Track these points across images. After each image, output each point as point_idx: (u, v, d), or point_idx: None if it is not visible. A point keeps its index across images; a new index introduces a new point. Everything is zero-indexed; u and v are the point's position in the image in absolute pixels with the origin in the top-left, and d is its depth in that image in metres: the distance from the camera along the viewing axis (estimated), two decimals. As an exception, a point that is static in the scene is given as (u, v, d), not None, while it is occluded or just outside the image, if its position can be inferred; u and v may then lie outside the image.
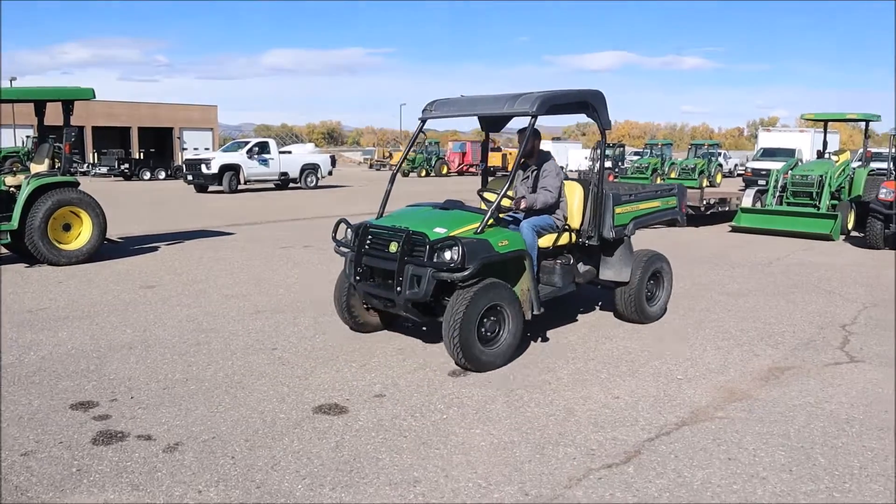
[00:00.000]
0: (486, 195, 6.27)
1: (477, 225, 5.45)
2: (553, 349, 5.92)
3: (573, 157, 42.52)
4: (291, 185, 27.33)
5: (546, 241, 6.09)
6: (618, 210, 6.50)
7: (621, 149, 36.62)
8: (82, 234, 9.98)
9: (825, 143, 17.10)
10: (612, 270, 6.64)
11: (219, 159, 24.66)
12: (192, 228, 14.04)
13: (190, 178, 24.98)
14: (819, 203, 14.07)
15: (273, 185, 27.30)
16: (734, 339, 6.33)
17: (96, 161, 38.42)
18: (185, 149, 38.44)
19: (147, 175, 36.13)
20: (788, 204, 14.51)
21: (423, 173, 41.81)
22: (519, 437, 4.15)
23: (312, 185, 27.36)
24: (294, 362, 5.50)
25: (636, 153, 38.80)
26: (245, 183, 25.30)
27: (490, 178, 7.60)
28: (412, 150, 47.60)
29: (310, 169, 27.34)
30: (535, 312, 5.70)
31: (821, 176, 14.19)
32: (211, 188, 25.11)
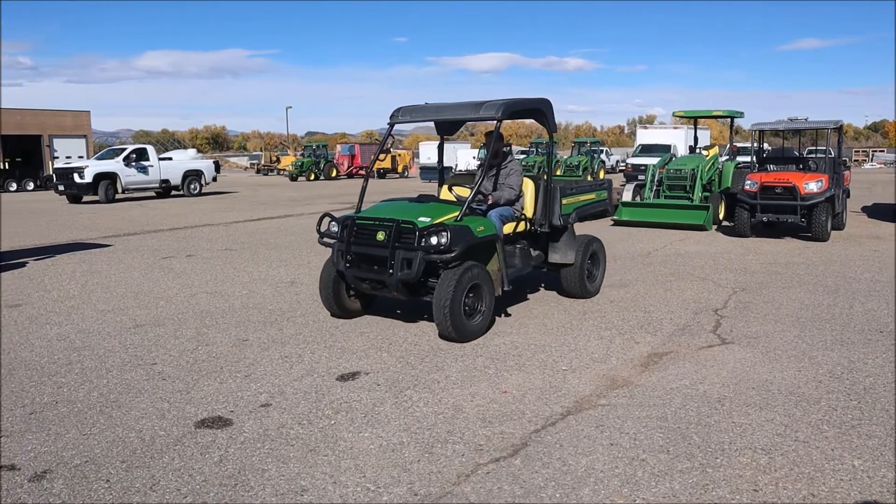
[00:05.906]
0: (457, 189, 7.10)
1: (455, 214, 6.17)
2: (441, 348, 5.94)
3: (461, 156, 42.94)
4: (174, 192, 26.38)
5: (507, 228, 6.82)
6: (564, 201, 7.40)
7: (508, 147, 37.36)
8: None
9: (696, 139, 18.01)
10: (559, 254, 7.56)
11: (93, 168, 23.43)
12: (65, 241, 13.25)
13: (61, 188, 23.62)
14: (692, 195, 14.81)
15: (154, 194, 26.29)
16: (616, 328, 6.57)
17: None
18: (57, 157, 36.15)
19: (13, 186, 33.95)
20: (665, 197, 15.18)
21: (312, 177, 40.45)
22: (408, 437, 4.14)
23: (196, 192, 26.45)
24: (175, 376, 5.28)
25: (523, 152, 39.63)
26: (123, 192, 24.20)
27: (452, 174, 8.52)
28: (300, 154, 46.96)
29: (193, 175, 26.39)
30: (506, 289, 6.48)
31: (693, 170, 14.92)
32: (86, 198, 23.88)
